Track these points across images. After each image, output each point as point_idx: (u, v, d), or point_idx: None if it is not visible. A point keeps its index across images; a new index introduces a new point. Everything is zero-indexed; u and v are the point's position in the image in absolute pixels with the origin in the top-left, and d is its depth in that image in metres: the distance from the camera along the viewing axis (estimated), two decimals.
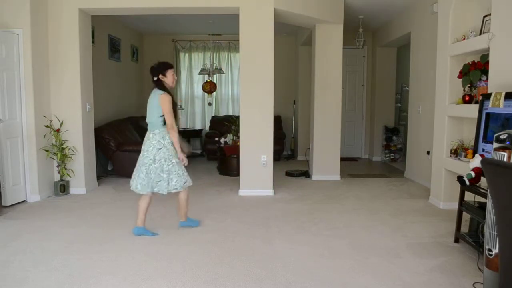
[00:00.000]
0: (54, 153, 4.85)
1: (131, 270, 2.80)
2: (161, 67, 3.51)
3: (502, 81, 3.30)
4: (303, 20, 5.65)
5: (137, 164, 3.50)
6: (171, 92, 3.53)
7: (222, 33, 8.34)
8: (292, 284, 2.60)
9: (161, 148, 3.41)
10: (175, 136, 3.43)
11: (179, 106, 8.71)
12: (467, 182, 3.04)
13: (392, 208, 4.46)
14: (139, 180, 3.43)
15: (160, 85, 3.48)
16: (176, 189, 3.50)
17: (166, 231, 3.64)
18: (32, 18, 4.55)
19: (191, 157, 8.18)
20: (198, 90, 8.68)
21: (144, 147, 3.48)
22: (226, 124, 7.23)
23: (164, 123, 3.42)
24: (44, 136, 4.78)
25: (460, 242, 3.33)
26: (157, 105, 3.40)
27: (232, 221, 3.96)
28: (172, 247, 3.24)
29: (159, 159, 3.41)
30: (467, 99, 3.95)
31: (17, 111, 4.56)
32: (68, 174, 4.98)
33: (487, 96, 3.24)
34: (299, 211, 4.34)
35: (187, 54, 8.71)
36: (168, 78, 3.50)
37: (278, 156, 7.58)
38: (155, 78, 3.49)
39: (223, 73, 8.37)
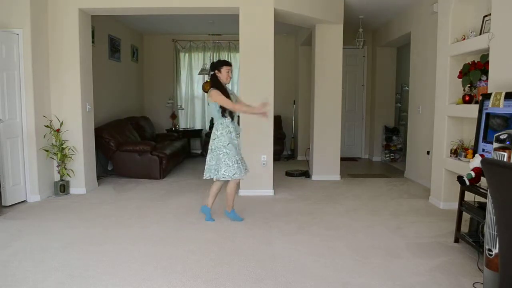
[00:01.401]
0: (54, 153, 4.85)
1: (131, 270, 2.80)
2: (218, 64, 3.81)
3: (502, 81, 3.30)
4: (303, 20, 5.65)
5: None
6: (224, 86, 3.79)
7: (222, 33, 8.34)
8: (292, 284, 2.60)
9: (214, 138, 3.75)
10: (242, 109, 3.77)
11: (179, 106, 8.73)
12: (467, 182, 3.04)
13: (392, 208, 4.46)
14: (206, 166, 3.84)
15: (213, 80, 3.79)
16: (224, 177, 3.74)
17: (166, 231, 3.65)
18: (32, 18, 4.55)
19: (190, 157, 8.21)
20: (198, 90, 8.69)
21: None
22: None
23: (220, 115, 3.72)
24: (44, 136, 4.79)
25: (460, 242, 3.33)
26: (210, 102, 3.74)
27: (232, 221, 3.96)
28: (172, 247, 3.24)
29: (214, 148, 3.75)
30: (467, 99, 3.95)
31: (17, 111, 4.56)
32: (68, 174, 4.98)
33: (487, 96, 3.24)
34: (299, 211, 4.34)
35: (187, 54, 8.71)
36: (223, 74, 3.76)
37: (278, 156, 7.58)
38: (211, 73, 3.83)
39: None
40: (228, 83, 3.83)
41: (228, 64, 3.82)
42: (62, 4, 4.86)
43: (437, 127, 4.53)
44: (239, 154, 3.84)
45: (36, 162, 4.68)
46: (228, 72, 3.77)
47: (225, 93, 3.74)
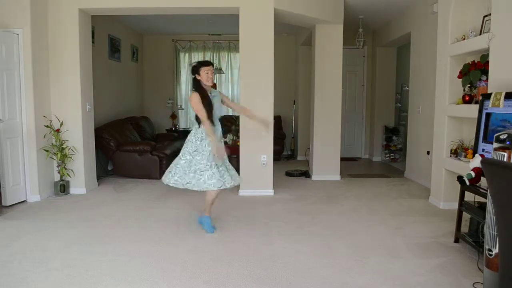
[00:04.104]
0: (54, 153, 4.85)
1: (131, 270, 2.80)
2: (196, 67, 3.54)
3: (502, 81, 3.30)
4: (303, 20, 5.65)
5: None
6: (206, 89, 3.54)
7: (222, 33, 8.34)
8: (292, 284, 2.60)
9: (189, 143, 3.54)
10: (207, 129, 3.45)
11: (179, 106, 8.73)
12: (467, 182, 3.04)
13: (392, 208, 4.46)
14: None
15: (194, 84, 3.56)
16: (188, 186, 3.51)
17: (166, 231, 3.65)
18: (32, 18, 4.55)
19: None
20: None
21: None
22: (226, 124, 7.23)
23: (198, 121, 3.52)
24: (44, 136, 4.78)
25: (460, 242, 3.33)
26: (190, 105, 3.57)
27: (232, 221, 3.96)
28: (172, 247, 3.25)
29: (184, 153, 3.56)
30: (467, 99, 3.95)
31: (17, 111, 4.55)
32: (68, 174, 4.98)
33: (487, 96, 3.24)
34: (299, 211, 4.34)
35: (187, 54, 8.71)
36: (202, 76, 3.50)
37: (278, 156, 7.58)
38: (193, 77, 3.58)
39: (223, 73, 8.37)
40: (210, 84, 3.53)
41: (205, 64, 3.54)
42: (62, 4, 4.86)
43: (437, 127, 4.53)
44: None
45: (36, 162, 4.68)
46: (207, 73, 3.48)
47: (206, 98, 3.48)
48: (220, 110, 3.69)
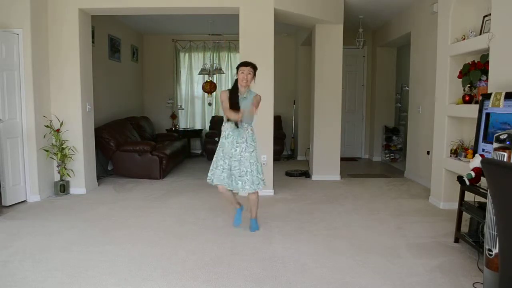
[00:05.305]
0: (54, 153, 4.85)
1: (131, 270, 2.80)
2: (237, 66, 3.56)
3: (502, 81, 3.30)
4: (303, 20, 5.65)
5: None
6: (240, 89, 3.49)
7: (222, 33, 8.34)
8: (292, 284, 2.60)
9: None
10: (230, 116, 3.42)
11: (179, 106, 8.73)
12: (467, 182, 3.04)
13: (392, 208, 4.46)
14: None
15: (234, 83, 3.58)
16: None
17: (166, 231, 3.65)
18: (32, 18, 4.55)
19: (190, 157, 8.21)
20: (198, 90, 8.69)
21: None
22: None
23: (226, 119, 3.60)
24: (44, 136, 4.78)
25: (460, 242, 3.33)
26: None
27: (232, 221, 3.95)
28: (172, 247, 3.24)
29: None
30: (467, 99, 3.95)
31: (17, 111, 4.55)
32: (68, 174, 4.98)
33: (487, 96, 3.24)
34: (299, 211, 4.34)
35: (187, 54, 8.71)
36: (238, 76, 3.47)
37: (278, 156, 7.58)
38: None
39: (223, 73, 8.37)
40: (245, 86, 3.45)
41: (243, 64, 3.49)
42: (62, 4, 4.85)
43: (437, 127, 4.53)
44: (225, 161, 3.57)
45: (36, 162, 4.67)
46: (243, 73, 3.42)
47: (232, 99, 3.44)
48: (249, 115, 3.46)
